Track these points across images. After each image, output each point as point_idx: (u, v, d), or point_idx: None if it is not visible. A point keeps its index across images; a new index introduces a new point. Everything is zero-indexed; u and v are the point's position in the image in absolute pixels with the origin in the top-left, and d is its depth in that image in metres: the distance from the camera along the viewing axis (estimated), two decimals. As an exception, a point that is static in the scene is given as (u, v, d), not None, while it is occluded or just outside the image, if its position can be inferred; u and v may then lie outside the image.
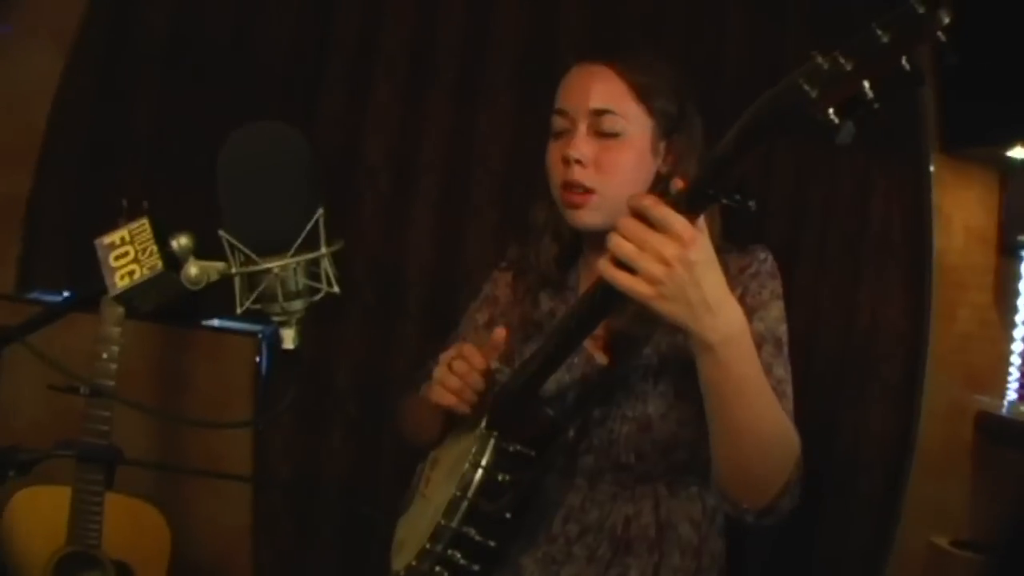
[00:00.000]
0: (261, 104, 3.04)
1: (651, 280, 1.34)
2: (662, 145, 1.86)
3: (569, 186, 1.81)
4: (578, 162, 1.79)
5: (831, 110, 1.11)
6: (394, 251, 3.09)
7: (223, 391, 3.13)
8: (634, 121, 1.82)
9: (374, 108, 3.08)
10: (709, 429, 1.56)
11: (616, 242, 1.37)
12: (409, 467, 2.13)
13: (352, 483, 3.14)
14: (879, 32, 1.06)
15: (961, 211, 2.98)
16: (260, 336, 3.07)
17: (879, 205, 2.96)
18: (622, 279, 1.37)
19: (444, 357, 1.80)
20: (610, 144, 1.81)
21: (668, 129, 1.86)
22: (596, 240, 1.88)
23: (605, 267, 1.38)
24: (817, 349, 2.97)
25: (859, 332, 2.97)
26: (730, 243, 1.81)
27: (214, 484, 3.11)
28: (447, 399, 1.78)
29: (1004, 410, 2.98)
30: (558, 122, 1.86)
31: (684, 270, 1.34)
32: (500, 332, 1.78)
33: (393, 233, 3.08)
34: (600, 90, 1.82)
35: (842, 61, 1.09)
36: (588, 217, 1.82)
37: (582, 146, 1.80)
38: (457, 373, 1.76)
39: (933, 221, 2.96)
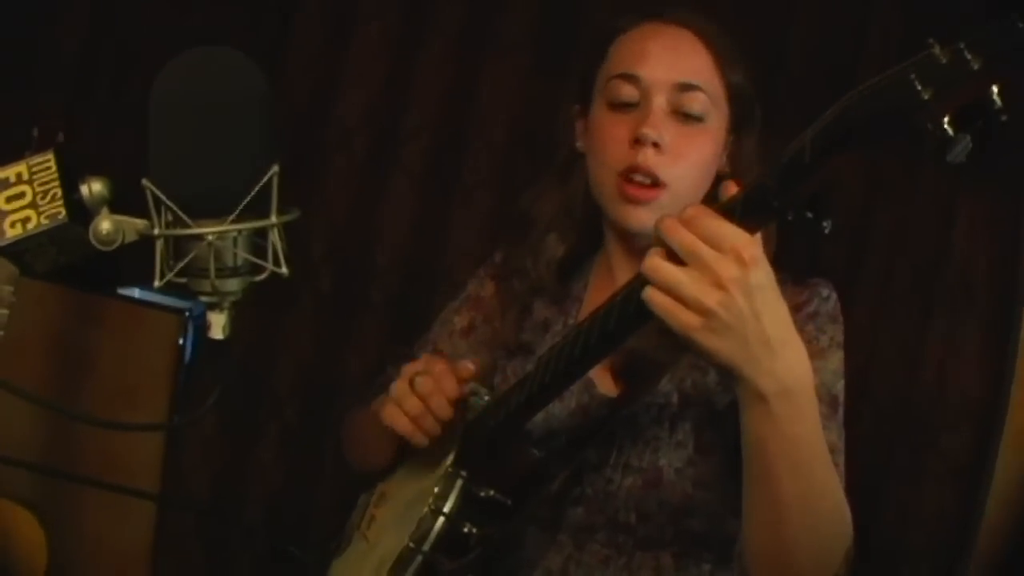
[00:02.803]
0: (216, 33, 2.97)
1: (700, 309, 1.27)
2: (730, 140, 1.83)
3: (634, 172, 1.75)
4: (655, 145, 1.73)
5: (946, 118, 1.05)
6: (362, 230, 3.05)
7: (136, 378, 3.06)
8: (717, 105, 1.80)
9: (356, 54, 3.05)
10: (745, 500, 1.48)
11: (652, 263, 1.30)
12: (355, 495, 2.09)
13: (282, 506, 3.10)
14: (1021, 25, 1.00)
15: (1064, 257, 2.90)
16: (187, 315, 3.02)
17: (962, 238, 2.90)
18: (661, 303, 1.30)
19: (408, 369, 1.74)
20: (690, 130, 1.77)
21: (740, 121, 1.83)
22: (633, 241, 1.84)
23: (650, 289, 1.31)
24: (866, 406, 2.90)
25: (921, 391, 2.91)
26: (784, 271, 1.72)
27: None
28: (401, 424, 1.72)
29: (1090, 507, 2.90)
30: (624, 90, 1.79)
31: (743, 298, 1.27)
32: (467, 366, 1.74)
33: (364, 208, 3.05)
34: (690, 61, 1.79)
35: (968, 57, 1.03)
36: (649, 219, 1.72)
37: (661, 127, 1.74)
38: (420, 393, 1.71)
39: None
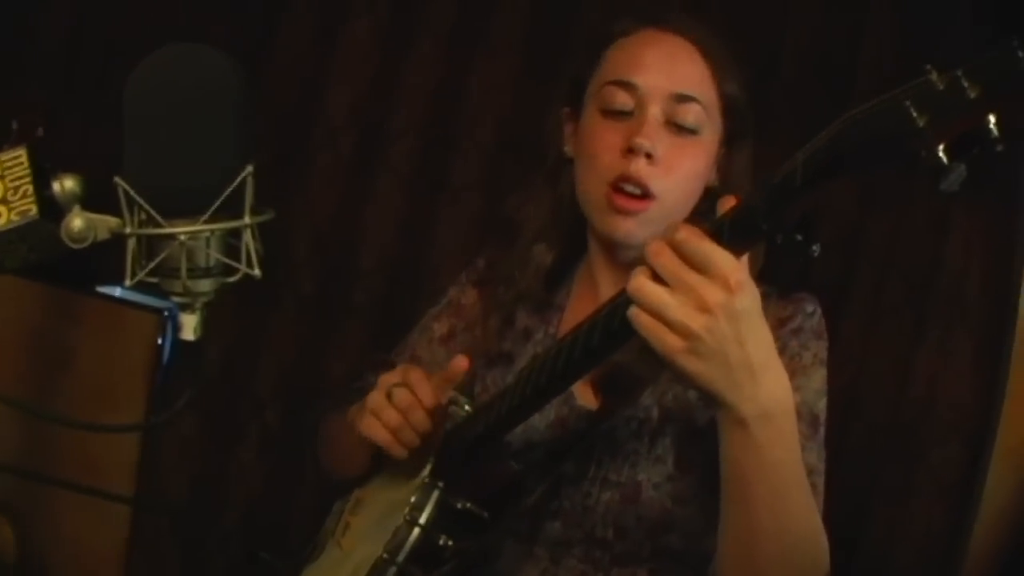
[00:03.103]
0: (202, 29, 2.99)
1: (685, 332, 1.26)
2: (722, 153, 1.83)
3: (625, 182, 1.74)
4: (648, 156, 1.72)
5: (941, 146, 1.03)
6: (347, 231, 3.06)
7: (114, 378, 3.03)
8: (712, 117, 1.79)
9: (345, 51, 3.05)
10: (721, 523, 1.48)
11: (638, 283, 1.29)
12: (335, 500, 2.07)
13: (262, 510, 3.11)
14: (1021, 55, 0.98)
15: (1059, 273, 2.89)
16: (166, 314, 2.99)
17: (956, 251, 2.89)
18: (646, 324, 1.29)
19: (384, 380, 1.72)
20: (684, 142, 1.76)
21: (733, 133, 1.83)
22: (618, 252, 1.83)
23: (634, 309, 1.30)
24: (855, 420, 2.90)
25: (911, 405, 2.90)
26: (769, 285, 1.71)
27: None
28: (379, 435, 1.70)
29: (1083, 528, 2.88)
30: (619, 97, 1.78)
31: (727, 322, 1.26)
32: (461, 361, 1.72)
33: (349, 209, 3.05)
34: (687, 71, 1.78)
35: (965, 85, 1.01)
36: (637, 231, 1.75)
37: (655, 137, 1.73)
38: (397, 405, 1.69)
39: (1022, 280, 2.85)
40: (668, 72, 1.76)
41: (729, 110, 1.81)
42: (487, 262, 2.06)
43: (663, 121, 1.75)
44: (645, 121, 1.74)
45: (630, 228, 1.75)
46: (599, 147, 1.78)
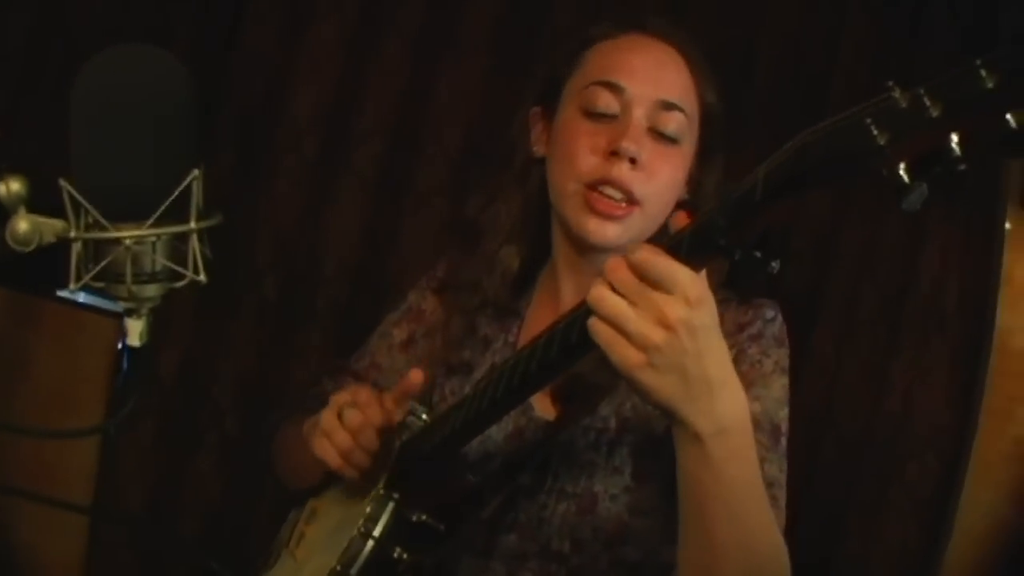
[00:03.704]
0: (167, 28, 2.98)
1: (644, 345, 1.26)
2: (694, 165, 1.83)
3: (606, 185, 1.73)
4: (632, 161, 1.72)
5: (902, 165, 1.03)
6: (310, 236, 3.05)
7: (72, 383, 3.02)
8: (692, 127, 1.80)
9: (311, 51, 3.04)
10: (680, 539, 1.47)
11: (598, 294, 1.29)
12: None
13: (220, 520, 3.10)
14: (983, 73, 0.97)
15: (1037, 284, 2.90)
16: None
17: (931, 262, 2.89)
18: (605, 335, 1.28)
19: (336, 400, 1.73)
20: (665, 150, 1.77)
21: (708, 145, 1.83)
22: (588, 257, 1.82)
23: (594, 320, 1.30)
24: (828, 433, 2.91)
25: (886, 419, 2.91)
26: (729, 291, 1.71)
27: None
28: (331, 458, 1.71)
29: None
30: (603, 99, 1.78)
31: (687, 337, 1.25)
32: (416, 375, 1.72)
33: (312, 213, 3.05)
34: (673, 79, 1.79)
35: (927, 103, 1.00)
36: (617, 236, 1.74)
37: (640, 142, 1.73)
38: (348, 427, 1.69)
39: (999, 292, 2.87)
40: (656, 79, 1.77)
41: (707, 120, 1.81)
42: (447, 268, 2.06)
43: (647, 127, 1.75)
44: (630, 125, 1.74)
45: (608, 232, 1.74)
46: (578, 147, 1.77)
